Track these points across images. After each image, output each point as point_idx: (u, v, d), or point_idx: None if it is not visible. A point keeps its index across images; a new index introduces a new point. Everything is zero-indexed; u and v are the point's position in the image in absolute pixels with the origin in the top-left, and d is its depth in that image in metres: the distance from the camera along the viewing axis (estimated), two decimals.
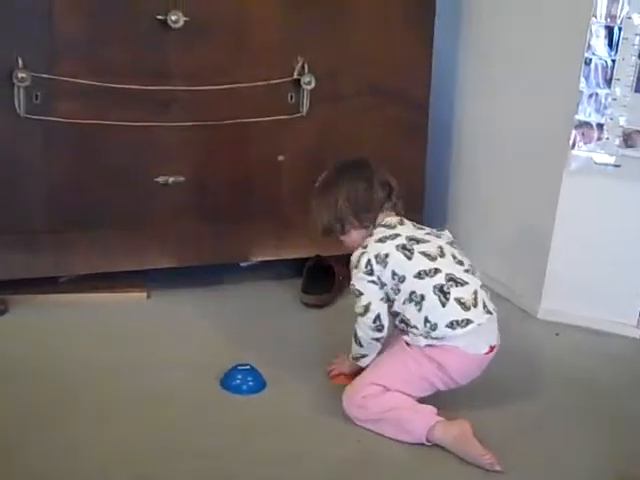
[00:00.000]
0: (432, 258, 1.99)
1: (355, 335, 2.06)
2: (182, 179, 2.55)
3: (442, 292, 1.94)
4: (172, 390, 2.08)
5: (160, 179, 2.53)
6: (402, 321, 2.00)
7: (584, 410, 2.11)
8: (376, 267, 1.98)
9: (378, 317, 2.00)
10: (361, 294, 2.01)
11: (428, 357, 1.96)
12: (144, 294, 2.62)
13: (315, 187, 2.18)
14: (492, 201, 2.87)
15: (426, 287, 1.95)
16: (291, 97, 2.61)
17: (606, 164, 2.51)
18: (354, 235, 2.11)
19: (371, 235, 2.06)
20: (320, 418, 2.00)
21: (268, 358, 2.23)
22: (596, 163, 2.52)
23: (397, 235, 2.03)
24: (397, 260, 1.98)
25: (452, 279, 1.96)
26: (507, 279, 2.73)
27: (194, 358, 2.24)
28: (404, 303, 1.97)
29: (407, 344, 1.99)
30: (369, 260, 1.99)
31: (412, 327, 1.96)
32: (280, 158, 2.65)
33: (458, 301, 1.94)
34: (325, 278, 2.70)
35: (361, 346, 2.06)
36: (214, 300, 2.62)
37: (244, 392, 2.08)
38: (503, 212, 2.81)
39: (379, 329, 2.02)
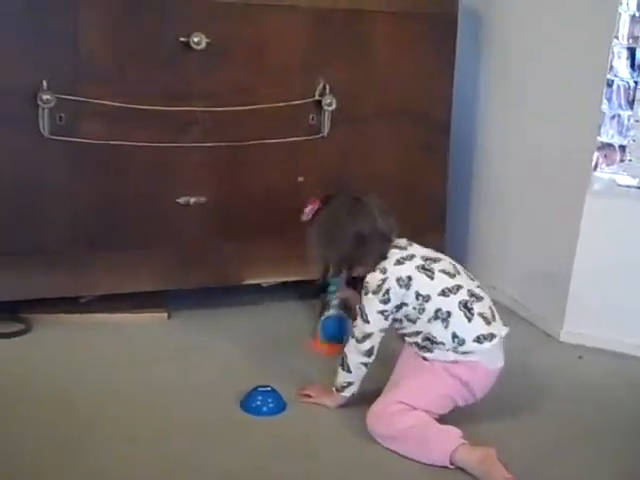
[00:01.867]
0: (451, 275, 2.02)
1: (343, 360, 2.07)
2: (204, 200, 2.56)
3: (466, 308, 1.97)
4: (193, 412, 2.07)
5: (181, 200, 2.54)
6: (427, 339, 1.99)
7: (607, 433, 2.09)
8: (399, 291, 1.98)
9: (373, 347, 2.03)
10: (367, 322, 2.01)
11: (450, 374, 1.96)
12: (165, 314, 2.62)
13: (317, 222, 2.16)
14: (514, 223, 2.86)
15: (452, 304, 1.97)
16: (312, 118, 2.62)
17: (629, 186, 2.50)
18: (362, 270, 2.09)
19: (384, 258, 2.05)
20: (341, 439, 1.99)
21: (289, 379, 2.23)
22: (619, 185, 2.51)
23: (412, 256, 2.04)
24: (420, 281, 1.98)
25: (473, 294, 2.00)
26: (530, 302, 2.72)
27: (214, 379, 2.24)
28: (429, 321, 1.98)
29: (425, 359, 2.00)
30: (389, 288, 1.98)
31: (439, 344, 1.97)
32: (300, 179, 2.66)
33: (481, 316, 1.98)
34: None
35: (349, 372, 2.06)
36: (235, 321, 2.62)
37: (264, 414, 2.07)
38: (525, 234, 2.80)
39: (369, 355, 2.04)
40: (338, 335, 2.41)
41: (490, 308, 2.02)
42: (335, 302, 2.48)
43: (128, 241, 2.54)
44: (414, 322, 2.00)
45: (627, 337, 2.53)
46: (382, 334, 2.03)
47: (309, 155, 2.65)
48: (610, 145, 2.49)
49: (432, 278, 1.99)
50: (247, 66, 2.53)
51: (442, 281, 1.99)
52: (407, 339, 2.07)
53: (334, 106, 2.59)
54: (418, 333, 2.01)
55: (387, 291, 1.98)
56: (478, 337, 1.96)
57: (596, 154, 2.49)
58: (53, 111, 2.33)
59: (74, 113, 2.37)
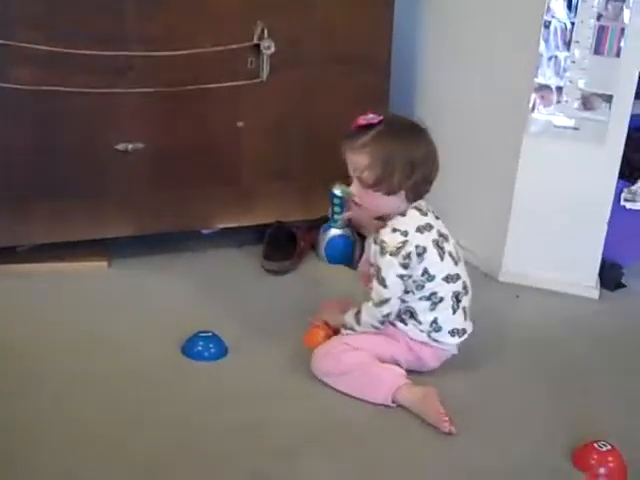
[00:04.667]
0: (455, 261, 2.00)
1: (358, 314, 2.02)
2: (142, 146, 2.52)
3: (457, 299, 1.99)
4: (133, 357, 2.07)
5: (120, 146, 2.50)
6: (408, 311, 1.99)
7: (544, 371, 2.14)
8: (415, 260, 1.93)
9: (390, 314, 1.99)
10: (385, 287, 1.95)
11: (410, 347, 2.00)
12: (105, 263, 2.59)
13: (377, 130, 1.95)
14: (453, 166, 2.85)
15: (447, 292, 1.97)
16: (251, 62, 2.57)
17: (565, 127, 2.52)
18: (391, 202, 1.97)
19: (403, 215, 1.98)
20: (281, 384, 2.00)
21: (230, 325, 2.23)
22: (555, 126, 2.52)
23: (431, 227, 1.98)
24: (432, 258, 1.95)
25: (465, 287, 2.01)
26: (468, 243, 2.73)
27: (155, 326, 2.23)
28: (420, 299, 1.97)
29: (393, 325, 2.01)
30: (410, 252, 1.92)
31: (416, 321, 1.98)
32: (239, 124, 2.62)
33: (464, 310, 2.01)
34: (286, 244, 2.69)
35: (358, 324, 2.03)
36: (175, 268, 2.60)
37: (206, 359, 2.08)
38: (463, 177, 2.81)
39: (383, 323, 2.01)
40: (344, 257, 2.31)
41: (470, 301, 2.03)
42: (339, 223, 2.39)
43: (65, 189, 2.50)
44: (406, 294, 1.98)
45: (564, 275, 2.57)
46: (399, 302, 1.98)
47: (248, 100, 2.62)
48: (547, 87, 2.49)
49: (442, 259, 1.96)
50: (184, 9, 2.46)
51: (448, 265, 1.97)
52: None
53: (272, 50, 2.55)
54: (403, 302, 1.99)
55: (408, 255, 1.91)
56: (453, 330, 1.99)
57: (533, 95, 2.50)
58: None
59: (4, 58, 2.30)
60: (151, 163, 2.56)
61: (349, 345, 1.99)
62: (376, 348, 1.99)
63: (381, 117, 1.95)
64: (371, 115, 1.95)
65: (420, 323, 1.99)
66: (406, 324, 2.01)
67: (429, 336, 1.99)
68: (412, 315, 1.99)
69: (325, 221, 2.74)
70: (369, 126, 1.95)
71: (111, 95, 2.43)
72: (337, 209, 2.38)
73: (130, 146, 2.51)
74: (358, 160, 1.94)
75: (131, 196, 2.57)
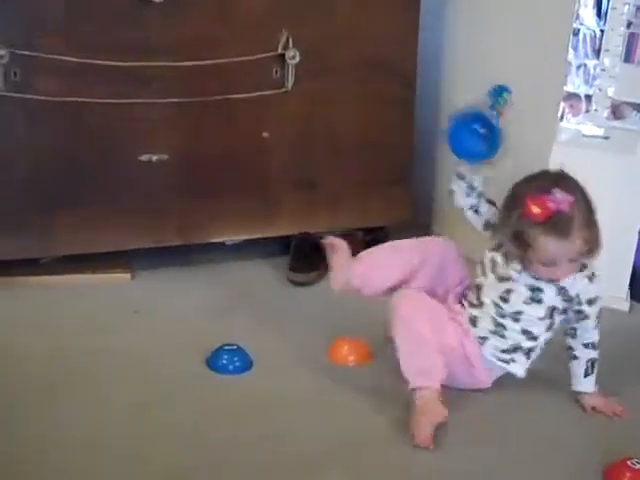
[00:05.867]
0: None
1: None
2: (166, 157, 2.50)
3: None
4: (158, 371, 2.05)
5: (144, 157, 2.48)
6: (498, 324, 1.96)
7: None
8: None
9: None
10: None
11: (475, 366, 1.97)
12: (128, 275, 2.58)
13: (577, 207, 1.83)
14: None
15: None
16: (276, 72, 2.56)
17: (595, 136, 2.48)
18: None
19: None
20: (306, 398, 1.98)
21: (255, 337, 2.21)
22: (585, 135, 2.49)
23: None
24: None
25: None
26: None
27: (180, 338, 2.22)
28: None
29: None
30: None
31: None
32: (265, 134, 2.61)
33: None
34: (312, 255, 2.66)
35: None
36: (199, 280, 2.58)
37: (230, 372, 2.06)
38: (492, 186, 2.77)
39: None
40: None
41: None
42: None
43: (89, 200, 2.49)
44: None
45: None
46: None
47: (273, 110, 2.60)
48: (576, 95, 2.46)
49: None
50: (208, 19, 2.46)
51: None
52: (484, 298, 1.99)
53: (297, 59, 2.53)
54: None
55: None
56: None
57: (562, 104, 2.47)
58: (7, 66, 2.25)
59: (29, 69, 2.30)
60: (175, 174, 2.55)
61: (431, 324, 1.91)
62: (444, 345, 1.92)
63: (572, 196, 1.82)
64: (560, 195, 1.80)
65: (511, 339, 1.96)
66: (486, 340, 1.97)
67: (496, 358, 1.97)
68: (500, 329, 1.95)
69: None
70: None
71: (135, 105, 2.43)
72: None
73: (154, 157, 2.49)
74: (578, 245, 1.82)
75: (155, 207, 2.56)
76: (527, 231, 1.80)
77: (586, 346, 1.99)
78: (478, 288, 1.98)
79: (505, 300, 1.92)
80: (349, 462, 1.75)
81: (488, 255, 1.99)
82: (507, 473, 1.75)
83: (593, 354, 1.99)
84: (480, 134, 1.93)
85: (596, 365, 2.00)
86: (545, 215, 1.77)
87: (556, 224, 1.77)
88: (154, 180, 2.53)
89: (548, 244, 1.78)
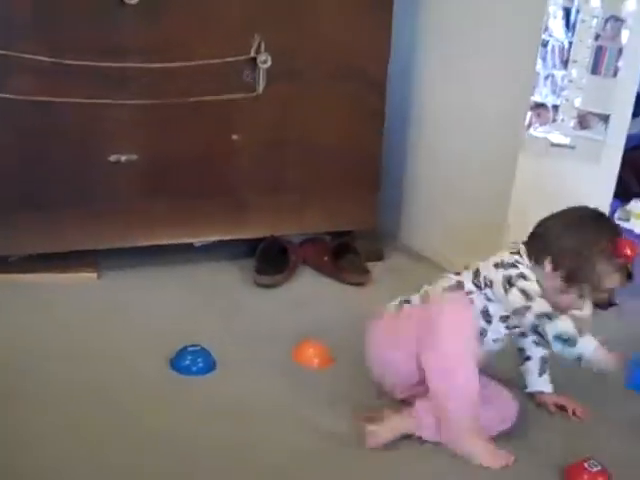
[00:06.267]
0: None
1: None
2: (135, 157, 2.50)
3: None
4: (121, 371, 2.04)
5: (113, 158, 2.48)
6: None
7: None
8: None
9: None
10: None
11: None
12: (94, 274, 2.57)
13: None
14: (449, 183, 2.86)
15: None
16: (247, 75, 2.56)
17: (561, 145, 2.51)
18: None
19: None
20: (270, 400, 1.97)
21: (220, 339, 2.21)
22: (552, 144, 2.52)
23: None
24: None
25: None
26: (462, 258, 2.71)
27: (144, 339, 2.21)
28: None
29: None
30: None
31: None
32: (234, 137, 2.61)
33: None
34: (279, 259, 2.68)
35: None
36: (166, 280, 2.58)
37: (194, 373, 2.05)
38: (460, 194, 2.80)
39: None
40: None
41: None
42: None
43: (57, 199, 2.48)
44: None
45: None
46: None
47: (244, 113, 2.60)
48: (543, 105, 2.48)
49: None
50: (181, 22, 2.46)
51: None
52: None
53: (269, 64, 2.54)
54: None
55: None
56: None
57: (529, 114, 2.49)
58: None
59: (1, 68, 2.29)
60: (144, 175, 2.54)
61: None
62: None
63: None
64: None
65: None
66: None
67: None
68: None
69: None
70: None
71: (106, 106, 2.42)
72: None
73: (123, 157, 2.49)
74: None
75: (123, 207, 2.55)
76: (607, 268, 1.83)
77: (537, 344, 2.01)
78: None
79: None
80: (312, 465, 1.75)
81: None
82: (468, 471, 1.77)
83: (544, 352, 2.02)
84: None
85: (547, 364, 2.04)
86: (632, 258, 1.82)
87: (627, 269, 1.85)
88: (123, 180, 2.53)
89: (615, 281, 1.86)
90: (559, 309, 1.81)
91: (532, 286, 1.80)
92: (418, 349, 1.80)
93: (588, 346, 1.74)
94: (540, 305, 1.76)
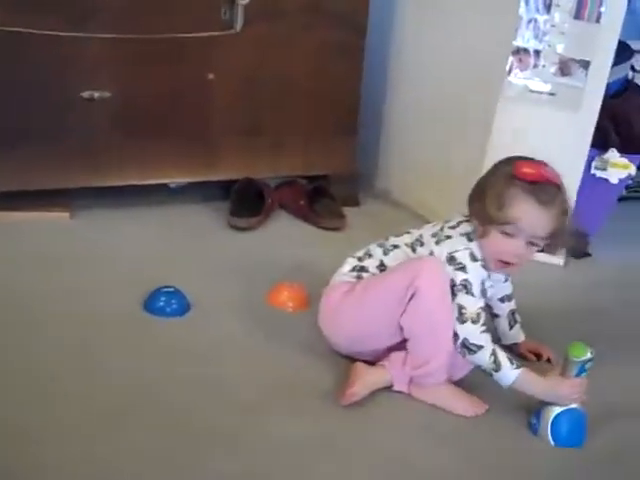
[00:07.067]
0: None
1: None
2: (108, 94, 2.45)
3: None
4: (94, 312, 2.02)
5: (85, 94, 2.43)
6: None
7: None
8: None
9: None
10: None
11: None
12: (67, 214, 2.53)
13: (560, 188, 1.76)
14: (427, 128, 2.84)
15: None
16: (225, 12, 2.51)
17: (541, 92, 2.49)
18: None
19: None
20: (244, 342, 1.97)
21: (194, 281, 2.19)
22: (531, 91, 2.50)
23: None
24: None
25: None
26: (439, 201, 2.72)
27: (117, 280, 2.18)
28: None
29: None
30: None
31: None
32: (210, 76, 2.56)
33: None
34: (254, 201, 2.65)
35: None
36: (140, 221, 2.55)
37: (167, 315, 2.03)
38: (439, 137, 2.78)
39: None
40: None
41: None
42: None
43: (28, 137, 2.42)
44: None
45: None
46: None
47: (220, 52, 2.56)
48: (525, 50, 2.45)
49: None
50: None
51: None
52: None
53: (247, 1, 2.49)
54: None
55: None
56: None
57: (511, 58, 2.46)
58: None
59: None
60: (117, 113, 2.50)
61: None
62: None
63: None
64: (550, 169, 1.76)
65: None
66: None
67: None
68: None
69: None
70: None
71: (77, 40, 2.36)
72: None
73: (96, 94, 2.44)
74: (550, 224, 1.74)
75: (96, 146, 2.51)
76: (510, 191, 1.72)
77: (502, 300, 2.01)
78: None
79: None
80: (285, 406, 1.74)
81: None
82: (443, 421, 1.77)
83: (511, 306, 2.02)
84: None
85: (517, 314, 2.03)
86: (536, 177, 1.72)
87: (543, 190, 1.72)
88: (96, 118, 2.48)
89: (527, 207, 1.71)
90: (509, 265, 1.78)
91: (463, 257, 1.76)
92: (394, 313, 1.78)
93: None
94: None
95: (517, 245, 1.74)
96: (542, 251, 1.83)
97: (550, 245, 1.81)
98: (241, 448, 1.59)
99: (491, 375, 1.73)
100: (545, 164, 1.76)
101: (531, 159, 1.77)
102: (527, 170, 1.73)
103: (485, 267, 1.78)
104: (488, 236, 1.76)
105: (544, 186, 1.72)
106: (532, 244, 1.76)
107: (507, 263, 1.78)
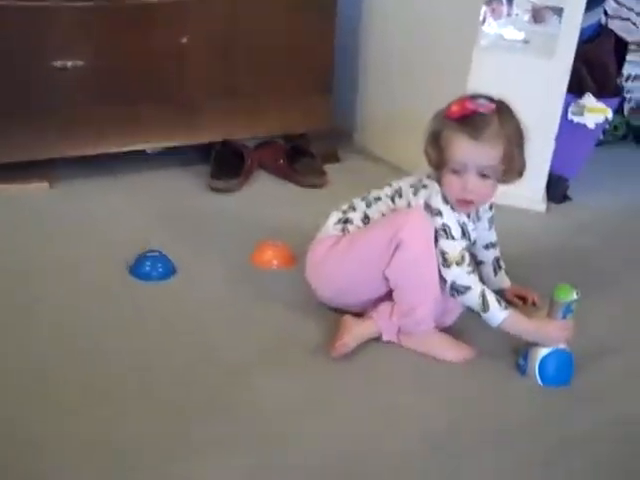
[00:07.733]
0: None
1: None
2: (81, 63, 2.44)
3: None
4: (81, 278, 2.02)
5: (57, 63, 2.41)
6: None
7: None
8: None
9: None
10: None
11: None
12: (46, 184, 2.52)
13: (498, 114, 1.74)
14: (403, 80, 2.83)
15: None
16: None
17: (515, 40, 2.49)
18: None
19: None
20: (232, 302, 1.97)
21: (178, 244, 2.19)
22: (505, 39, 2.50)
23: None
24: None
25: None
26: (414, 155, 2.71)
27: (102, 247, 2.18)
28: None
29: None
30: None
31: None
32: (183, 40, 2.55)
33: None
34: (233, 163, 2.65)
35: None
36: (120, 189, 2.55)
37: (154, 279, 2.04)
38: (414, 88, 2.77)
39: None
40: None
41: None
42: None
43: (2, 109, 2.40)
44: None
45: (510, 188, 2.54)
46: None
47: (193, 15, 2.55)
48: None
49: None
50: None
51: None
52: None
53: None
54: None
55: None
56: None
57: (484, 8, 2.46)
58: None
59: None
60: (91, 81, 2.48)
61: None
62: None
63: (494, 103, 1.74)
64: (482, 100, 1.73)
65: None
66: None
67: None
68: None
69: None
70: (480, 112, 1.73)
71: (48, 8, 2.34)
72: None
73: (69, 63, 2.42)
74: (490, 153, 1.74)
75: (72, 115, 2.49)
76: (444, 132, 1.76)
77: (486, 247, 2.03)
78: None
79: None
80: (271, 366, 1.75)
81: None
82: (434, 368, 1.79)
83: (495, 253, 2.05)
84: None
85: (501, 261, 2.06)
86: (461, 112, 1.73)
87: (470, 123, 1.73)
88: (70, 87, 2.46)
89: (460, 142, 1.73)
90: (471, 202, 1.79)
91: (436, 202, 1.78)
92: (379, 266, 1.79)
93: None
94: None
95: (469, 180, 1.75)
96: (504, 182, 1.82)
97: (507, 171, 1.79)
98: (233, 408, 1.60)
99: (480, 316, 1.75)
100: (474, 96, 1.75)
101: (470, 96, 1.76)
102: (453, 108, 1.75)
103: (453, 209, 1.80)
104: (444, 178, 1.78)
105: (472, 119, 1.72)
106: (485, 176, 1.76)
107: (468, 202, 1.79)
